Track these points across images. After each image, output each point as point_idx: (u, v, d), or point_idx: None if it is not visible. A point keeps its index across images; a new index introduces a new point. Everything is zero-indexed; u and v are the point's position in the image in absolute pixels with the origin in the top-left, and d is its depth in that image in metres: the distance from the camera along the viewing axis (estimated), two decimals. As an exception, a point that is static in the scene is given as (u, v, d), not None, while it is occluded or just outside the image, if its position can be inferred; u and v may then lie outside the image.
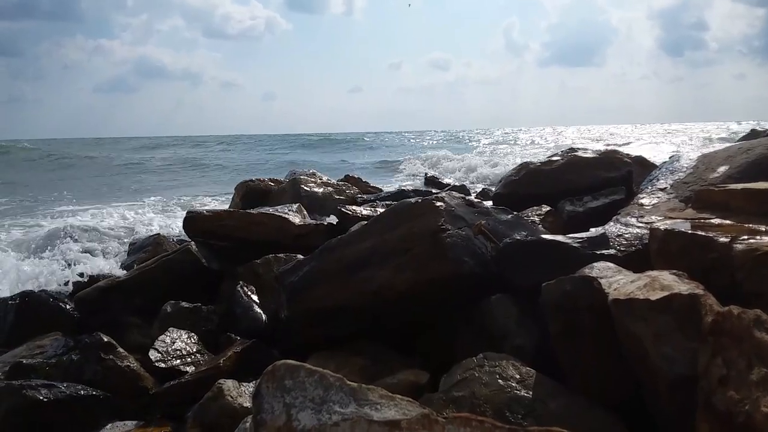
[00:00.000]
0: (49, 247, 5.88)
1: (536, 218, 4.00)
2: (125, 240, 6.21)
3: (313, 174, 7.52)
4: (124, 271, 4.81)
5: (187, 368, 3.23)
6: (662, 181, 3.61)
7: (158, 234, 5.67)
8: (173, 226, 6.90)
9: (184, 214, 4.88)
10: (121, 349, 3.29)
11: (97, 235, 6.62)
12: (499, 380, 2.13)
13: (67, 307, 4.24)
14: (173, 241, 5.44)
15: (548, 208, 4.20)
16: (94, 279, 4.68)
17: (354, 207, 5.11)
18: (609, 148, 6.43)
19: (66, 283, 4.74)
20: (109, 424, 2.76)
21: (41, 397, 2.80)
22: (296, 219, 4.82)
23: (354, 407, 1.39)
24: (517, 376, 2.14)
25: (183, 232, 4.91)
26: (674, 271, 2.08)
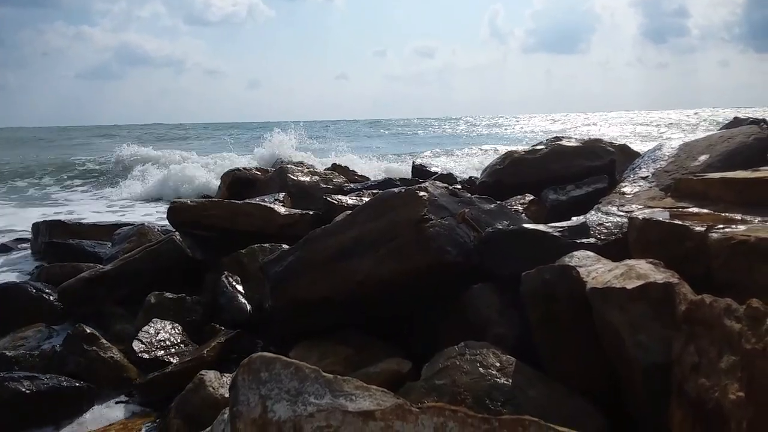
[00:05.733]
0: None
1: (520, 207, 4.01)
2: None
3: (301, 163, 7.51)
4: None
5: (171, 359, 3.24)
6: (644, 170, 3.64)
7: (142, 224, 5.63)
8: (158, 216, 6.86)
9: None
10: (104, 341, 3.29)
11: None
12: (480, 368, 2.15)
13: (51, 297, 4.22)
14: (157, 231, 5.41)
15: (532, 197, 4.21)
16: (77, 269, 4.64)
17: (340, 196, 5.11)
18: (593, 136, 6.48)
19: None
20: (92, 416, 2.76)
21: (24, 389, 2.79)
22: (282, 209, 4.82)
23: (329, 398, 1.40)
24: (498, 365, 2.16)
25: (168, 222, 4.88)
26: (651, 260, 2.10)
